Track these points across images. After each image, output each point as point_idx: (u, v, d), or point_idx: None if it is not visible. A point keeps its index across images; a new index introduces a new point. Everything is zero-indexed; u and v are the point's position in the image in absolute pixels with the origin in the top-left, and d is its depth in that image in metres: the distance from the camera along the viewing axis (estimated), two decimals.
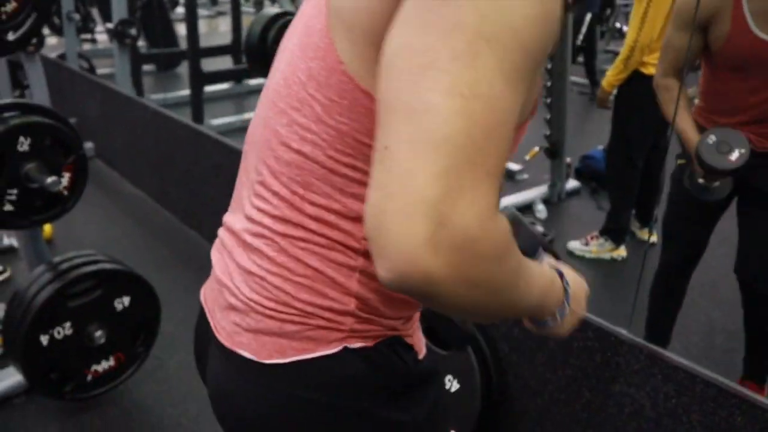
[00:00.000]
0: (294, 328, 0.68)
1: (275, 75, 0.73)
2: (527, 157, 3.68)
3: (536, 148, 3.62)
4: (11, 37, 1.49)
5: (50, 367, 1.75)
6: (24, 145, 1.60)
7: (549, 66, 3.33)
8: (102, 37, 7.05)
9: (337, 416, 0.70)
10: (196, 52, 4.26)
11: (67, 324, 1.73)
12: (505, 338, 1.67)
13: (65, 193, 1.72)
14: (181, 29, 6.30)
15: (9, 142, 1.58)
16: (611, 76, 2.74)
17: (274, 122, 0.70)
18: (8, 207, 1.62)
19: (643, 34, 2.53)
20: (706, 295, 2.34)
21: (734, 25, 1.64)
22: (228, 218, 0.80)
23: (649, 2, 2.49)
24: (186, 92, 4.73)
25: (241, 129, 4.62)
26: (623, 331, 1.42)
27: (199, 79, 4.27)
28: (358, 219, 0.66)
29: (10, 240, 2.85)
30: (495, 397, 1.69)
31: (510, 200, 3.38)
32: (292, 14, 3.63)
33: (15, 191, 1.62)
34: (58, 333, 1.72)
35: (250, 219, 0.73)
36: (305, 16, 0.69)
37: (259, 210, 0.71)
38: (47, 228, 2.85)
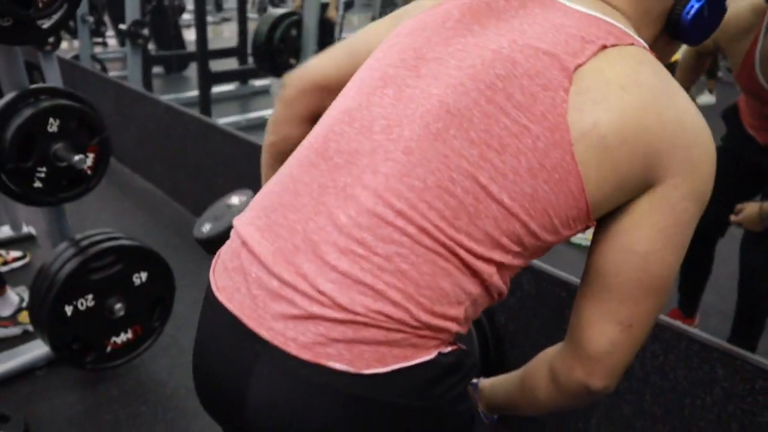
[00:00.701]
0: (399, 337, 0.69)
1: (447, 83, 0.74)
2: None
3: None
4: (45, 25, 1.59)
5: (73, 338, 1.85)
6: (53, 126, 1.71)
7: None
8: (112, 42, 7.21)
9: (423, 418, 0.72)
10: (205, 52, 4.38)
11: (90, 296, 1.83)
12: (501, 308, 1.77)
13: (89, 172, 1.82)
14: (188, 35, 6.45)
15: (40, 123, 1.69)
16: None
17: (458, 145, 0.70)
18: (37, 184, 1.73)
19: None
20: None
21: (744, 64, 1.81)
22: (297, 201, 0.75)
23: None
24: (194, 93, 4.87)
25: (246, 128, 4.74)
26: None
27: (208, 78, 4.39)
28: (496, 264, 0.72)
29: (28, 228, 2.96)
30: (493, 366, 1.79)
31: None
32: (297, 14, 3.76)
33: (44, 169, 1.73)
34: (81, 304, 1.82)
35: (378, 216, 0.70)
36: (504, 58, 0.73)
37: (401, 214, 0.69)
38: None
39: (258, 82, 5.80)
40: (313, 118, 0.99)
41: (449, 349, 0.73)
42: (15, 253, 2.75)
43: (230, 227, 0.87)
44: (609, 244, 0.75)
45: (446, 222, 0.69)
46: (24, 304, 2.32)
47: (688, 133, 0.71)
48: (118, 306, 1.88)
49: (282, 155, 1.00)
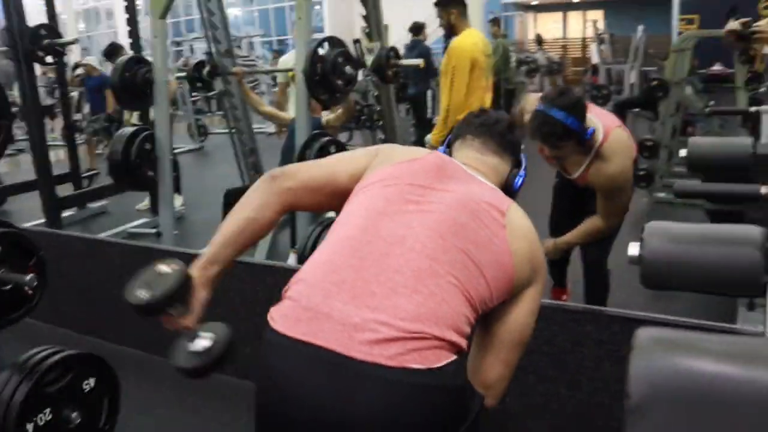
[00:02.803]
0: (446, 346, 1.11)
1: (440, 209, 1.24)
2: None
3: None
4: None
5: None
6: None
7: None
8: None
9: (467, 391, 1.19)
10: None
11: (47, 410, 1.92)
12: None
13: (30, 292, 1.95)
14: None
15: None
16: (436, 134, 3.46)
17: (467, 242, 1.20)
18: None
19: (453, 98, 3.30)
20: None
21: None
22: (364, 264, 1.16)
23: (453, 75, 3.29)
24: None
25: None
26: None
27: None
28: (479, 314, 1.21)
29: None
30: None
31: None
32: (148, 129, 3.91)
33: None
34: (41, 420, 1.90)
35: (432, 271, 1.14)
36: (471, 200, 1.27)
37: (446, 274, 1.15)
38: None
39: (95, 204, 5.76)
40: (287, 210, 1.38)
41: (461, 352, 1.16)
42: None
43: (167, 293, 1.18)
44: (503, 320, 1.28)
45: (466, 283, 1.17)
46: None
47: (544, 260, 1.35)
48: (74, 414, 1.97)
49: (253, 231, 1.34)
